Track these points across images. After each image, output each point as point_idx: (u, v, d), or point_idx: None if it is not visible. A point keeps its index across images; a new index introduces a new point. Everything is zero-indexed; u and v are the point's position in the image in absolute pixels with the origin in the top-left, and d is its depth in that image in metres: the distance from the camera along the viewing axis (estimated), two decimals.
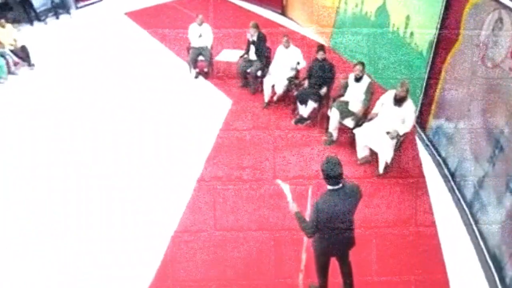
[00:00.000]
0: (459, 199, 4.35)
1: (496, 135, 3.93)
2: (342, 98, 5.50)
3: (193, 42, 7.24)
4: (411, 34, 6.16)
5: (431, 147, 5.23)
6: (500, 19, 3.96)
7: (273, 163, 4.97)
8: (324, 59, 5.89)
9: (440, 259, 3.68)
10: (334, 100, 5.56)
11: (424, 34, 5.83)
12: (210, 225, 4.03)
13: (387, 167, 4.82)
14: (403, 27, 6.40)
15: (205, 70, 7.38)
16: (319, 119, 5.80)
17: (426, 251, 3.74)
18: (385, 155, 4.81)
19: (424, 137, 5.41)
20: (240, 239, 3.88)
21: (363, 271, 3.48)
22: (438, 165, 4.95)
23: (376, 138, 4.87)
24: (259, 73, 6.71)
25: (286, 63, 6.33)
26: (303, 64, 6.29)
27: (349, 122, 5.35)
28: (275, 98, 6.40)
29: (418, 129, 5.52)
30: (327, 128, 5.55)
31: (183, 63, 7.58)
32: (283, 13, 10.06)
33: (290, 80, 6.32)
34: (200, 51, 7.22)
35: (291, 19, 9.79)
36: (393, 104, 4.85)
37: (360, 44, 7.46)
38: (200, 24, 7.19)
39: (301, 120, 5.93)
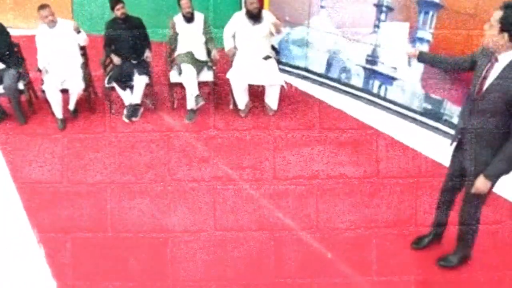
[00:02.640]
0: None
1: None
2: (179, 52, 4.46)
3: None
4: None
5: (284, 66, 4.57)
6: None
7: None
8: (126, 15, 4.43)
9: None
10: (170, 57, 4.49)
11: None
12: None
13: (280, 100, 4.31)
14: None
15: None
16: (152, 94, 4.66)
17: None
18: (278, 81, 4.27)
19: None
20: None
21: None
22: (305, 78, 4.47)
23: (257, 70, 4.18)
24: (20, 85, 4.39)
25: (65, 46, 4.33)
26: (84, 37, 4.42)
27: (207, 75, 4.55)
28: (71, 107, 4.56)
29: None
30: (172, 100, 4.51)
31: None
32: None
33: (84, 66, 4.50)
34: None
35: None
36: (252, 25, 4.23)
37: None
38: None
39: (135, 110, 4.51)
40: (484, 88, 2.38)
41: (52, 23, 4.26)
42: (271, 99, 4.45)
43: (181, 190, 4.52)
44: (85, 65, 4.63)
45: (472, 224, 2.83)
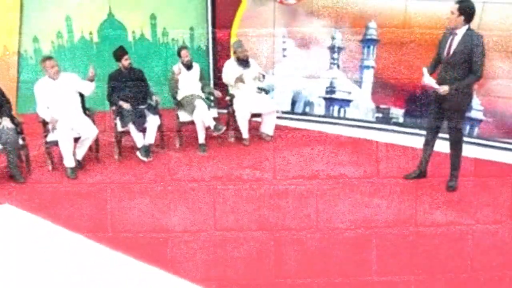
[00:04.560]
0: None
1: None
2: (184, 94, 5.02)
3: None
4: (164, 31, 5.58)
5: None
6: None
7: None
8: (131, 64, 4.87)
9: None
10: (176, 100, 5.04)
11: (182, 23, 5.50)
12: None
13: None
14: (149, 29, 5.64)
15: None
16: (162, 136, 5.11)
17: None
18: (275, 108, 5.14)
19: None
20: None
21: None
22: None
23: (256, 102, 5.02)
24: (20, 140, 4.23)
25: (69, 97, 4.45)
26: (93, 87, 4.54)
27: (212, 112, 5.16)
28: (80, 156, 4.59)
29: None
30: (180, 139, 5.04)
31: None
32: None
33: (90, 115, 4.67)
34: None
35: None
36: (242, 69, 5.01)
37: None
38: None
39: (148, 150, 4.83)
40: (451, 51, 3.79)
41: (57, 74, 4.31)
42: (268, 127, 5.19)
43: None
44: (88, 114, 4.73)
45: (458, 149, 4.05)
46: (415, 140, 4.74)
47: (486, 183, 4.28)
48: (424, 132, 4.27)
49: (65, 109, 4.34)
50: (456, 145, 4.05)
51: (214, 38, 5.52)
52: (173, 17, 5.53)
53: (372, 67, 5.03)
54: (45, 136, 4.36)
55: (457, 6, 3.69)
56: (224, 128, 5.05)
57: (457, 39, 3.74)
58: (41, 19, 5.48)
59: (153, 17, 5.55)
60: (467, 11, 3.66)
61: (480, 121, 4.99)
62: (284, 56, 5.39)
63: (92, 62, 4.84)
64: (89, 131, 4.37)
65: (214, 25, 5.47)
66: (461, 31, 3.72)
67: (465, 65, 3.72)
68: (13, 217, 3.82)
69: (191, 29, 5.58)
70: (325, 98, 5.39)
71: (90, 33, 5.60)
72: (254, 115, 5.32)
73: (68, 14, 5.52)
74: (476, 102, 4.88)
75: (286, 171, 4.85)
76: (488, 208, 4.01)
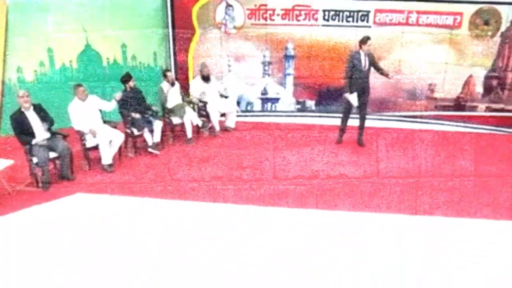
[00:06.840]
0: None
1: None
2: (173, 104, 6.29)
3: None
4: (133, 57, 7.05)
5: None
6: (229, 5, 6.88)
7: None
8: (135, 86, 5.94)
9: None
10: (165, 108, 6.22)
11: (147, 49, 7.02)
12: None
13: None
14: (121, 55, 6.99)
15: None
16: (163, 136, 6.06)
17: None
18: (236, 108, 6.85)
19: None
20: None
21: None
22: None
23: (223, 104, 6.58)
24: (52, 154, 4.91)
25: (94, 113, 5.41)
26: (114, 105, 5.60)
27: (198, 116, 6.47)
28: (112, 156, 5.38)
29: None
30: (173, 137, 6.16)
31: None
32: None
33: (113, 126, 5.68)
34: None
35: None
36: (207, 84, 6.56)
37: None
38: None
39: (157, 146, 5.82)
40: (367, 64, 5.60)
41: (86, 97, 5.32)
42: (231, 121, 6.71)
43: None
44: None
45: (364, 118, 5.83)
46: (324, 121, 6.92)
47: (391, 142, 6.01)
48: (329, 115, 6.80)
49: (92, 122, 5.31)
50: (363, 116, 5.93)
51: (175, 60, 7.22)
52: (140, 45, 6.98)
53: (292, 74, 7.33)
54: (83, 144, 5.30)
55: (361, 38, 5.71)
56: (210, 125, 6.45)
57: (363, 56, 5.65)
58: (24, 51, 6.44)
59: (123, 46, 6.91)
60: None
61: None
62: (229, 70, 7.33)
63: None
64: (119, 137, 5.47)
65: (175, 50, 7.16)
66: (362, 52, 5.64)
67: (371, 70, 5.83)
68: (87, 201, 4.58)
69: (154, 53, 7.10)
70: (261, 98, 7.51)
71: (70, 61, 6.67)
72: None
73: (49, 46, 6.52)
74: None
75: (245, 146, 5.49)
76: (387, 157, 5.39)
